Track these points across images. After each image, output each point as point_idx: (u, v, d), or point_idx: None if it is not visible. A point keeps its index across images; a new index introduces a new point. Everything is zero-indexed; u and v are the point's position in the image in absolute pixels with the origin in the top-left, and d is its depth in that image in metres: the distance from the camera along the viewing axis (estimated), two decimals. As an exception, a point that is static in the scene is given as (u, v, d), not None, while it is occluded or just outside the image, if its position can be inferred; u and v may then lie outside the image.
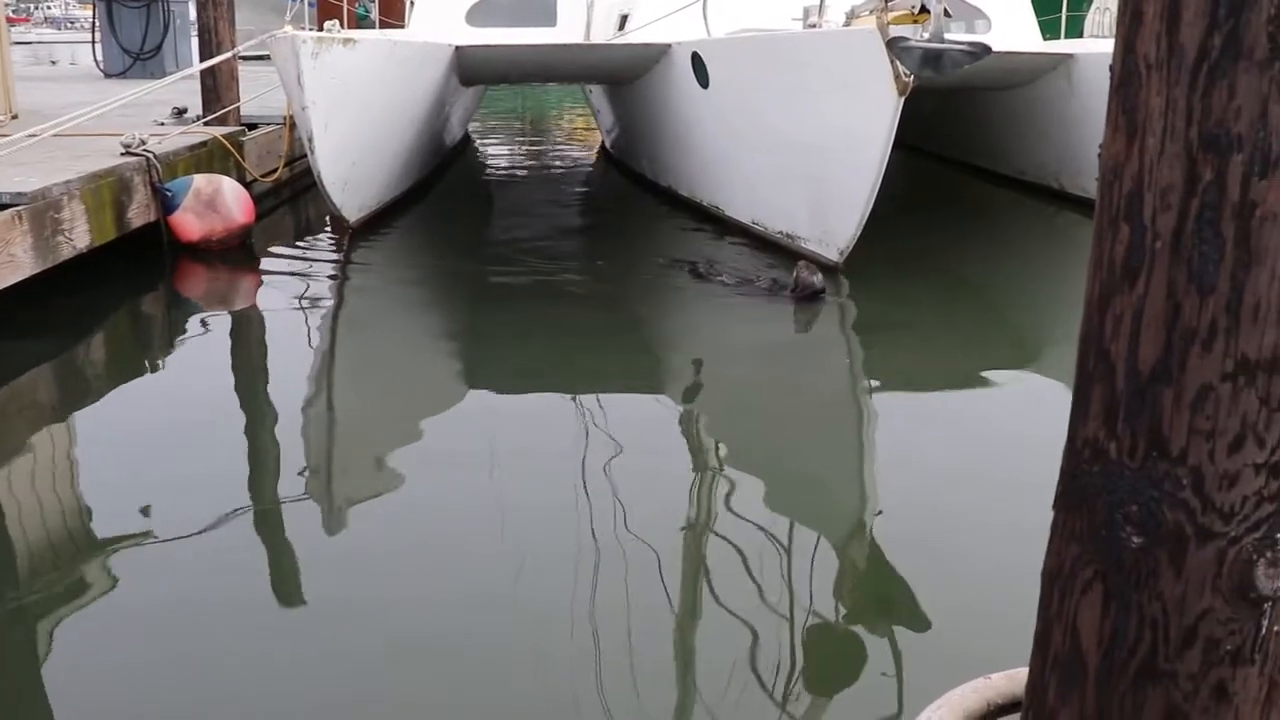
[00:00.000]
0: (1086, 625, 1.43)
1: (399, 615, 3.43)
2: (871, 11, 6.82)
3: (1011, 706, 1.70)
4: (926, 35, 6.14)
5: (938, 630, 3.41)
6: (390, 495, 4.38)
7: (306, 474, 4.60)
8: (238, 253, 8.49)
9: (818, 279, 7.10)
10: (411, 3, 13.23)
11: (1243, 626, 1.34)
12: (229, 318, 7.33)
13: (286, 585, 3.67)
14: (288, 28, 8.11)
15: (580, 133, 18.85)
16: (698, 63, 9.04)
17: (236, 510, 4.13)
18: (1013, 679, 1.70)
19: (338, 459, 4.90)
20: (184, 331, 6.92)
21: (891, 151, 7.28)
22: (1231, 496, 1.30)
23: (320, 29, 9.68)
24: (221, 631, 3.33)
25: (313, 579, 3.68)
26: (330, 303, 7.45)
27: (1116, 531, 1.37)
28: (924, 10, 6.09)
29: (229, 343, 6.73)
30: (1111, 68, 1.33)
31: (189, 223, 8.11)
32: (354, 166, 8.57)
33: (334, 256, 8.73)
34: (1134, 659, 1.39)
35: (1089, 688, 1.45)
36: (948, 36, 6.16)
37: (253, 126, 10.61)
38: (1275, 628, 1.35)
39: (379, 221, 9.67)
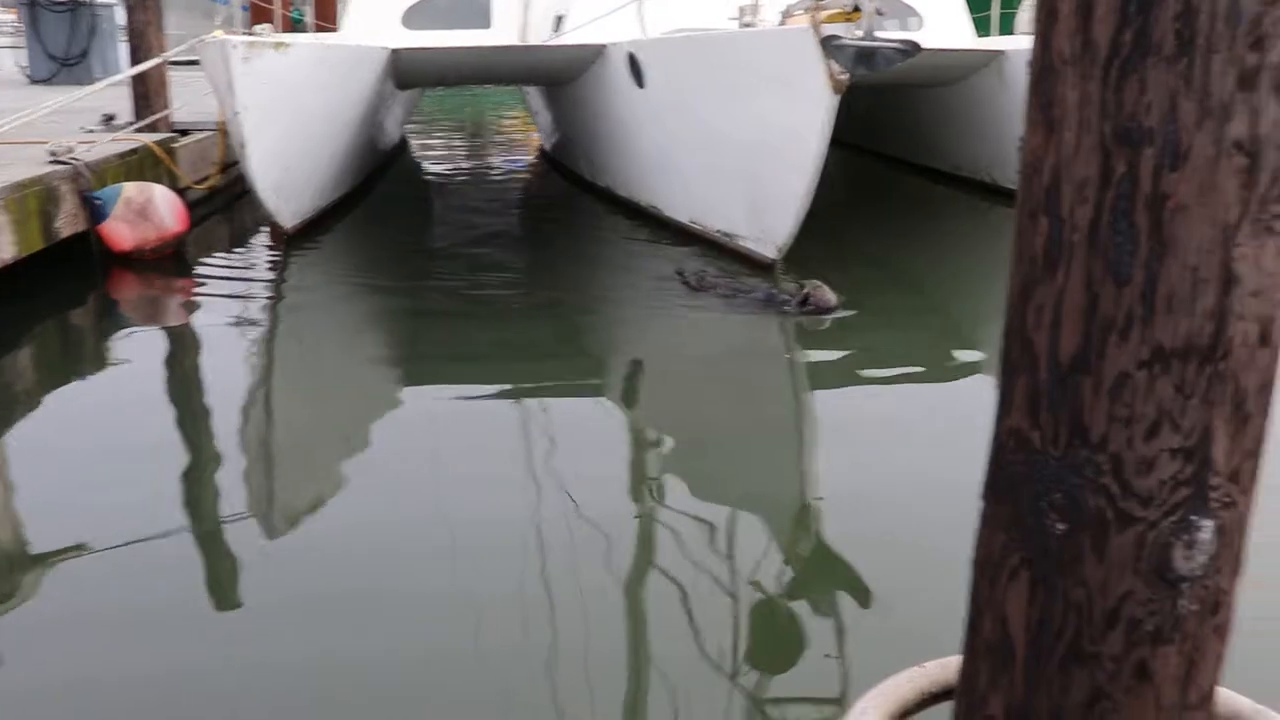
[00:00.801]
0: (1014, 611, 1.46)
1: (342, 622, 3.40)
2: (805, 10, 6.88)
3: (945, 694, 1.72)
4: (859, 33, 6.22)
5: (882, 616, 3.46)
6: (330, 504, 4.33)
7: (244, 487, 4.52)
8: (172, 262, 8.34)
9: (834, 298, 6.86)
10: (345, 5, 13.11)
11: (1162, 607, 1.38)
12: (163, 329, 7.21)
13: (224, 597, 3.62)
14: (218, 32, 7.98)
15: (519, 135, 18.80)
16: (634, 63, 9.06)
17: (171, 526, 4.07)
18: (946, 667, 1.72)
19: (277, 470, 4.83)
20: (116, 344, 6.78)
21: (830, 150, 7.35)
22: (1149, 481, 1.33)
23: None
24: (153, 645, 3.28)
25: (252, 589, 3.64)
26: (267, 312, 7.35)
27: (1041, 519, 1.39)
28: (856, 9, 6.17)
29: (163, 355, 6.60)
30: (1029, 63, 1.36)
31: (120, 232, 7.96)
32: (288, 172, 8.46)
33: (271, 264, 8.61)
34: (1060, 642, 1.42)
35: (1018, 672, 1.47)
36: (880, 34, 6.24)
37: (185, 133, 10.44)
38: (1193, 607, 1.39)
39: (316, 227, 9.56)
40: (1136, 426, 1.32)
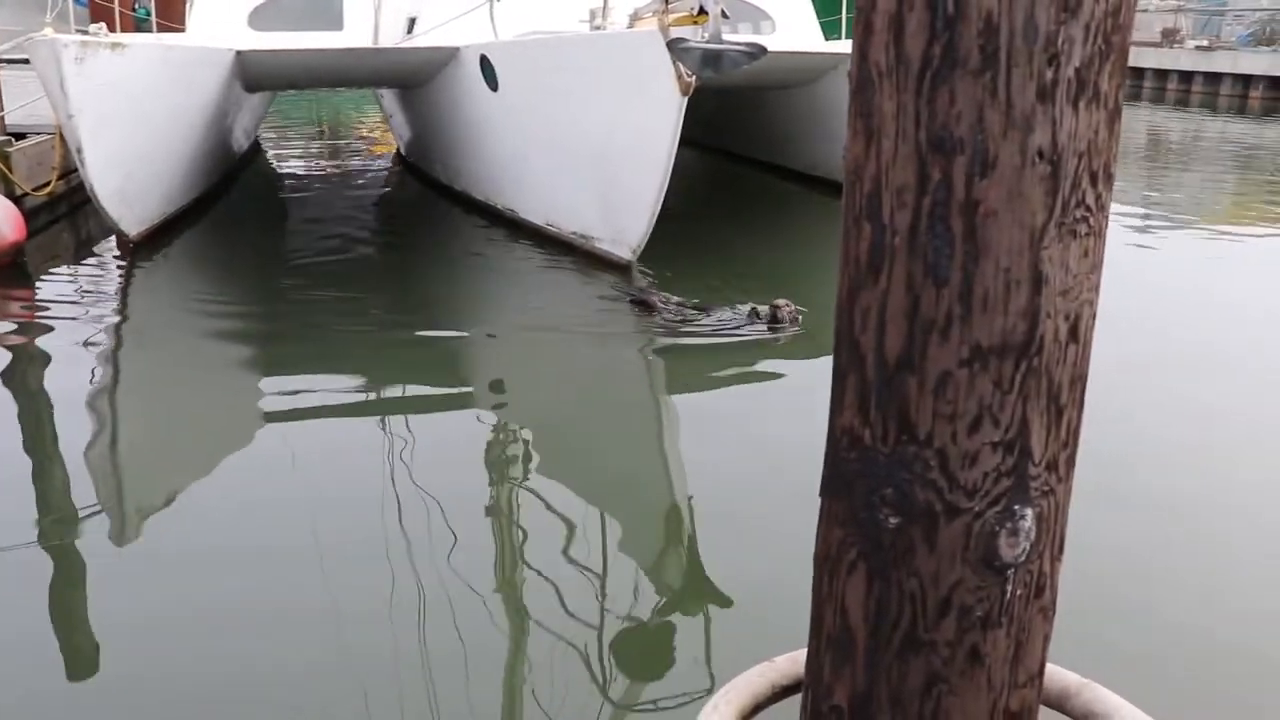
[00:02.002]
0: (854, 604, 1.51)
1: (199, 637, 3.31)
2: (653, 13, 6.96)
3: (795, 686, 1.76)
4: (706, 36, 6.33)
5: (743, 611, 3.53)
6: (181, 521, 4.20)
7: (86, 505, 4.35)
8: (9, 272, 7.94)
9: (791, 310, 6.90)
10: (190, 5, 12.67)
11: (990, 593, 1.44)
12: (-2, 344, 6.86)
13: (71, 616, 3.49)
14: (48, 30, 7.61)
15: (377, 138, 18.48)
16: (486, 65, 9.01)
17: (13, 542, 3.89)
18: (795, 660, 1.77)
19: (127, 485, 4.67)
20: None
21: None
22: (973, 474, 1.39)
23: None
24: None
25: (101, 609, 3.51)
26: (111, 326, 7.05)
27: (875, 513, 1.44)
28: (703, 12, 6.27)
29: (0, 370, 6.29)
30: (850, 74, 1.41)
31: (-52, 243, 7.54)
32: (130, 178, 8.14)
33: (116, 274, 8.28)
34: (897, 632, 1.47)
35: (859, 662, 1.52)
36: (726, 37, 6.36)
37: (21, 136, 9.93)
38: (1019, 591, 1.46)
39: (164, 234, 9.23)
40: (959, 422, 1.37)
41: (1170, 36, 32.78)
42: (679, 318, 7.02)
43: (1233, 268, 9.59)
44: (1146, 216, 11.71)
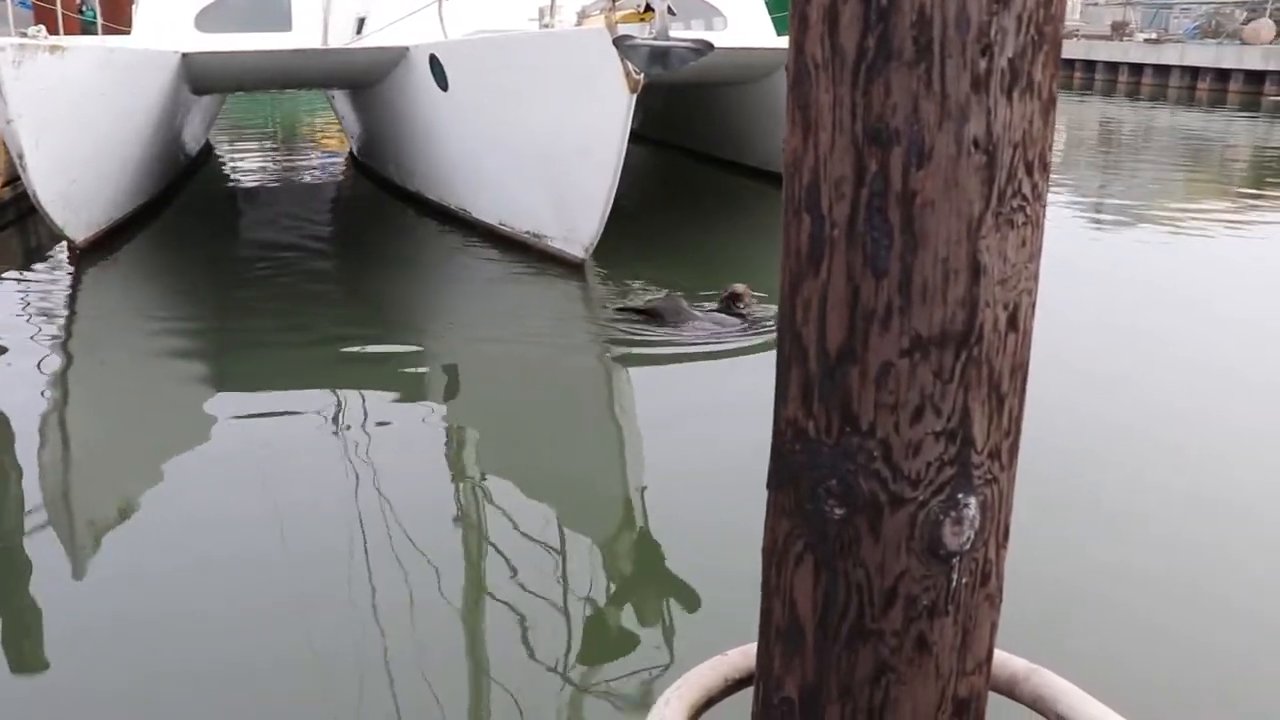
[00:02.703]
0: (801, 595, 1.51)
1: (157, 643, 3.28)
2: (600, 11, 6.96)
3: (747, 679, 1.76)
4: (652, 33, 6.33)
5: (703, 604, 3.55)
6: (138, 532, 4.15)
7: (38, 516, 4.29)
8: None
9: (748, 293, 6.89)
10: (136, 6, 12.48)
11: (936, 582, 1.45)
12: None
13: (24, 624, 3.43)
14: (-13, 35, 7.48)
15: (330, 139, 18.33)
16: (435, 65, 8.96)
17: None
18: (746, 653, 1.77)
19: (76, 496, 4.60)
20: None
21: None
22: (917, 464, 1.40)
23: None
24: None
25: (56, 616, 3.46)
26: (58, 334, 6.94)
27: (820, 505, 1.45)
28: (649, 9, 6.27)
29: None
30: (787, 67, 1.41)
31: (-115, 251, 7.37)
32: (74, 183, 8.01)
33: (64, 281, 8.14)
34: (845, 622, 1.48)
35: (808, 653, 1.53)
36: (672, 34, 6.36)
37: (-39, 143, 9.74)
38: (964, 580, 1.47)
39: (112, 240, 9.10)
40: (902, 412, 1.38)
41: (1120, 29, 33.30)
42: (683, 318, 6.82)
43: (1181, 258, 9.75)
44: (1098, 207, 11.87)
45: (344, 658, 3.19)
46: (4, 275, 8.37)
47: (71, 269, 8.34)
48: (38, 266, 8.74)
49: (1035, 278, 1.43)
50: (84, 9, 18.80)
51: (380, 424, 5.22)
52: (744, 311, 6.82)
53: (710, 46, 6.56)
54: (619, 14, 6.59)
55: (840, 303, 1.36)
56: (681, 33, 7.04)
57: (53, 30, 9.16)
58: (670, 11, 6.25)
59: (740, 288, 6.88)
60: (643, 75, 6.77)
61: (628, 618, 3.53)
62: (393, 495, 4.34)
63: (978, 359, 1.38)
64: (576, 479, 4.78)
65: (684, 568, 3.78)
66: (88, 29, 17.25)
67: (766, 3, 13.14)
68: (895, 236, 1.32)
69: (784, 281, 1.45)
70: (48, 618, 3.50)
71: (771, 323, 6.65)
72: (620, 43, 6.48)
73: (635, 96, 7.00)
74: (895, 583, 1.45)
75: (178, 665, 3.18)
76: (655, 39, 6.28)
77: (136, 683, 3.11)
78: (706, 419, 5.29)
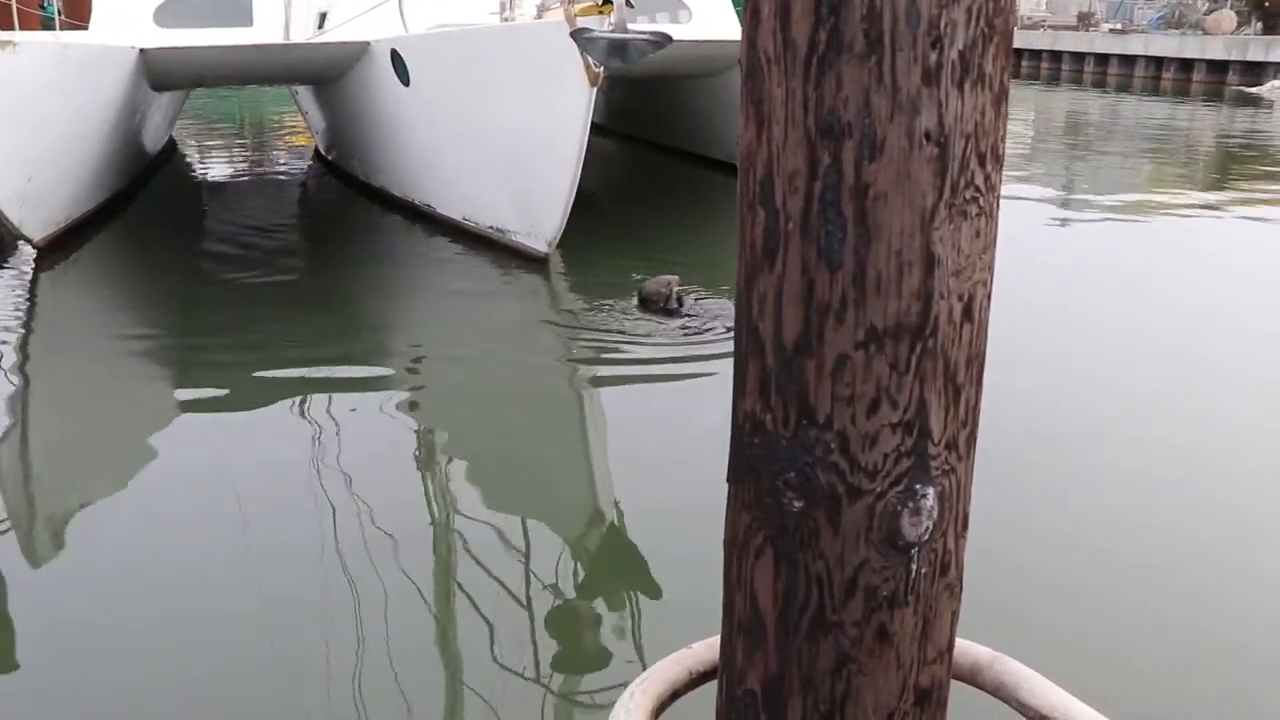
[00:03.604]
0: (762, 588, 1.51)
1: (127, 646, 3.25)
2: (560, 4, 6.94)
3: (712, 672, 1.77)
4: (611, 26, 6.32)
5: (670, 592, 3.55)
6: (104, 534, 4.10)
7: (3, 518, 4.23)
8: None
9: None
10: (95, 2, 12.31)
11: (895, 573, 1.46)
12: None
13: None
14: (-61, 32, 7.37)
15: (296, 136, 18.19)
16: (397, 60, 8.92)
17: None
18: (711, 646, 1.77)
19: (41, 499, 4.54)
20: None
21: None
22: (874, 455, 1.40)
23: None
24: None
25: (23, 619, 3.42)
26: (17, 335, 6.84)
27: (779, 498, 1.45)
28: (608, 2, 6.26)
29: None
30: (740, 61, 1.41)
31: None
32: (31, 181, 7.90)
33: (23, 281, 8.03)
34: (805, 614, 1.48)
35: (770, 646, 1.53)
36: (631, 27, 6.36)
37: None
38: (924, 570, 1.48)
39: (73, 238, 8.99)
40: (858, 404, 1.38)
41: (1086, 20, 33.60)
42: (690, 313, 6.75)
43: (1146, 246, 9.84)
44: (1064, 200, 11.96)
45: (308, 657, 3.18)
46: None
47: (30, 271, 8.22)
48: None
49: (990, 269, 1.43)
50: (44, 5, 18.54)
51: (344, 423, 5.19)
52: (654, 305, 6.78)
53: (669, 39, 6.55)
54: (578, 7, 6.58)
55: (796, 296, 1.37)
56: (643, 25, 7.02)
57: (8, 26, 9.02)
58: (629, 4, 6.24)
59: (666, 279, 6.84)
60: (602, 68, 6.76)
61: (594, 613, 3.53)
62: (360, 493, 4.32)
63: (933, 350, 1.39)
64: (541, 477, 4.77)
65: (651, 561, 3.79)
66: (48, 25, 17.01)
67: (732, -5, 13.17)
68: (849, 229, 1.32)
69: (740, 275, 1.45)
70: (4, 622, 3.45)
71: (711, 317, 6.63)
72: (579, 36, 6.47)
73: (596, 90, 6.99)
74: (855, 574, 1.45)
75: (139, 672, 3.15)
76: (614, 32, 6.26)
77: (93, 687, 3.08)
78: (676, 413, 5.30)
